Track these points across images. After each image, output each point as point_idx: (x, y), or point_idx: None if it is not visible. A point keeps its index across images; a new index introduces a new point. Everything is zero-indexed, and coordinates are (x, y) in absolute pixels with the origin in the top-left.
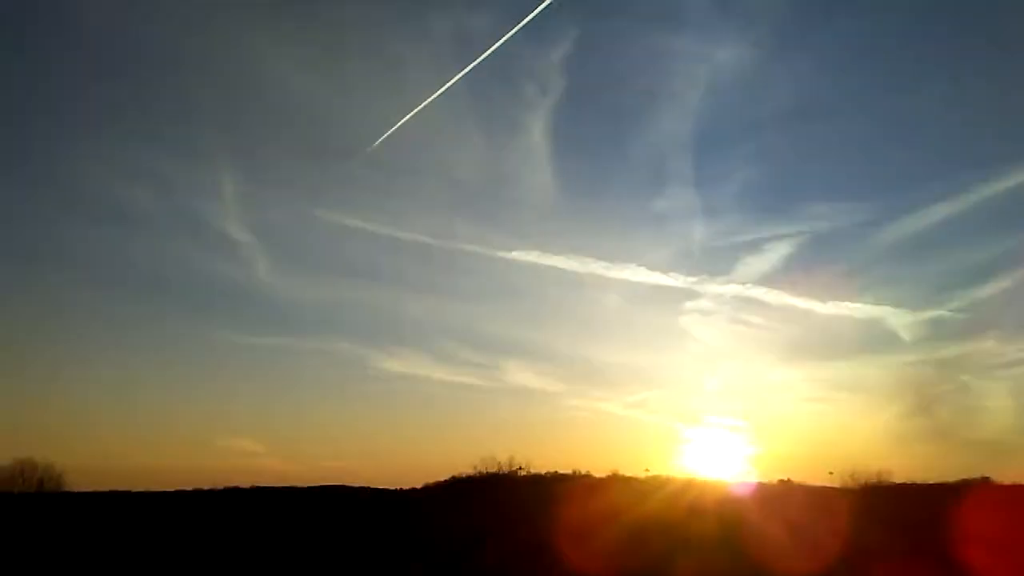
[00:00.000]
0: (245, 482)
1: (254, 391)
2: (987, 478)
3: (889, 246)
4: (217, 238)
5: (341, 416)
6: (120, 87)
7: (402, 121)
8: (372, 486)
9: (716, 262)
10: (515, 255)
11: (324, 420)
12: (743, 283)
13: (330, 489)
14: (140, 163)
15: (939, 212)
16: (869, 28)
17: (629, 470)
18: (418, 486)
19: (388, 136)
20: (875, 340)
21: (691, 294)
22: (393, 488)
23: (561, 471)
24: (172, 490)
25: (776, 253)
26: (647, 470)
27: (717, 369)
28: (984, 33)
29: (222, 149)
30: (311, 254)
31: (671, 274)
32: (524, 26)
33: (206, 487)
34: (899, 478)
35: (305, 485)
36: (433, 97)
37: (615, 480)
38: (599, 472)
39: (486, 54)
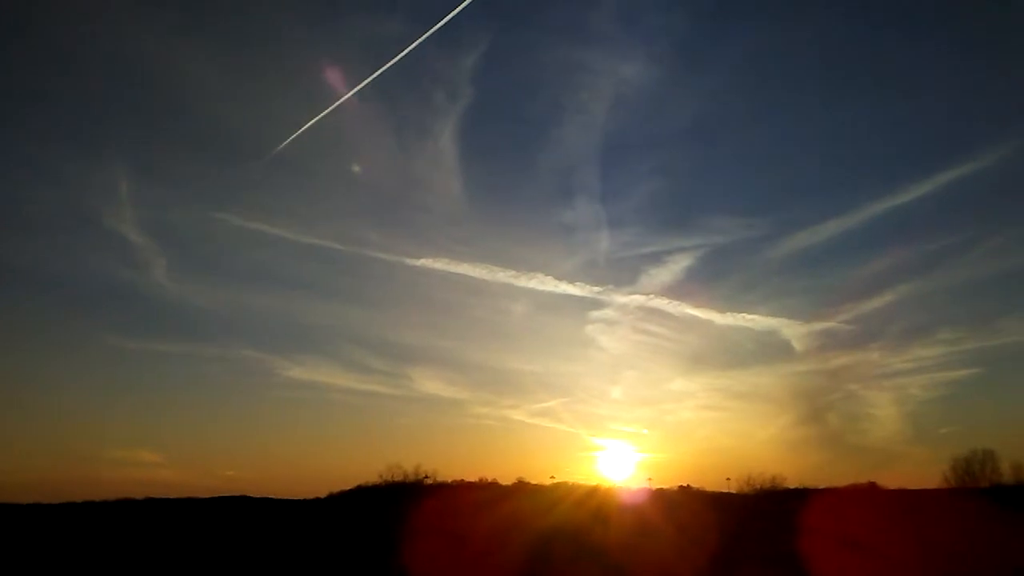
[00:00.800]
0: (139, 493)
1: (151, 400)
2: (873, 483)
3: (783, 260)
4: (111, 239)
5: (243, 425)
6: (11, 80)
7: (309, 124)
8: (275, 496)
9: (621, 273)
10: (423, 262)
11: (226, 429)
12: (646, 294)
13: (231, 500)
14: (31, 159)
15: (830, 228)
16: (768, 48)
17: (535, 478)
18: (323, 496)
19: (295, 139)
20: (770, 350)
21: (597, 304)
22: (297, 498)
23: (468, 479)
24: (59, 502)
25: (678, 265)
26: (553, 477)
27: (621, 378)
28: (874, 57)
29: (119, 148)
30: (213, 258)
31: (577, 284)
32: (435, 33)
33: (97, 499)
34: (792, 483)
35: (204, 496)
36: (341, 100)
37: (521, 488)
38: (506, 480)
39: (396, 59)
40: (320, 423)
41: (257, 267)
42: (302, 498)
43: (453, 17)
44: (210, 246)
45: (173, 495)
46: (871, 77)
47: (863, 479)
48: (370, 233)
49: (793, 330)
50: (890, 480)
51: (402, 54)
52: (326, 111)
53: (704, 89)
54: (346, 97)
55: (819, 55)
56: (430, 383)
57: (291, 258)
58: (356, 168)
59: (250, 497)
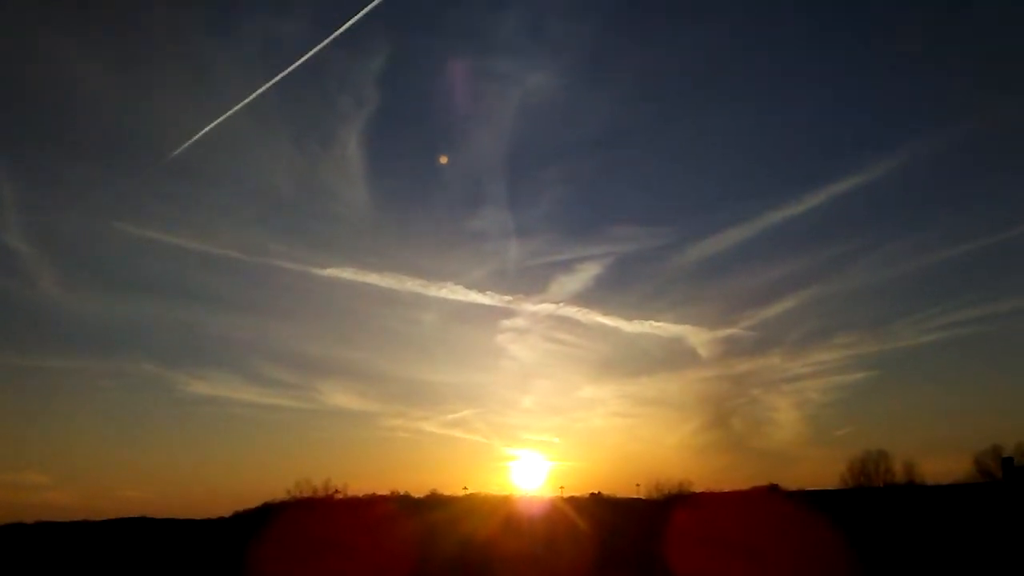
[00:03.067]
0: (30, 517)
1: (40, 418)
2: (775, 485)
3: (688, 268)
4: None
5: (142, 443)
6: None
7: (207, 129)
8: (177, 516)
9: (531, 281)
10: (330, 272)
11: (123, 448)
12: (556, 302)
13: (130, 521)
14: None
15: (731, 237)
16: (672, 59)
17: (448, 489)
18: (227, 514)
19: (195, 145)
20: (677, 357)
21: (507, 313)
22: (201, 518)
23: (379, 492)
24: None
25: (586, 273)
26: (466, 489)
27: (532, 386)
28: (774, 71)
29: (3, 152)
30: (107, 268)
31: (488, 293)
32: (338, 37)
33: None
34: (699, 487)
35: (100, 519)
36: (241, 105)
37: (434, 499)
38: (418, 492)
39: (297, 63)
40: (225, 439)
41: (156, 278)
42: (206, 518)
43: (357, 21)
44: (105, 256)
45: (67, 518)
46: (769, 89)
47: (765, 481)
48: (274, 242)
49: (698, 337)
50: (791, 481)
51: (304, 57)
52: (225, 115)
53: (610, 99)
54: (246, 102)
55: (720, 66)
56: (339, 396)
57: (191, 268)
58: (259, 175)
59: (151, 518)
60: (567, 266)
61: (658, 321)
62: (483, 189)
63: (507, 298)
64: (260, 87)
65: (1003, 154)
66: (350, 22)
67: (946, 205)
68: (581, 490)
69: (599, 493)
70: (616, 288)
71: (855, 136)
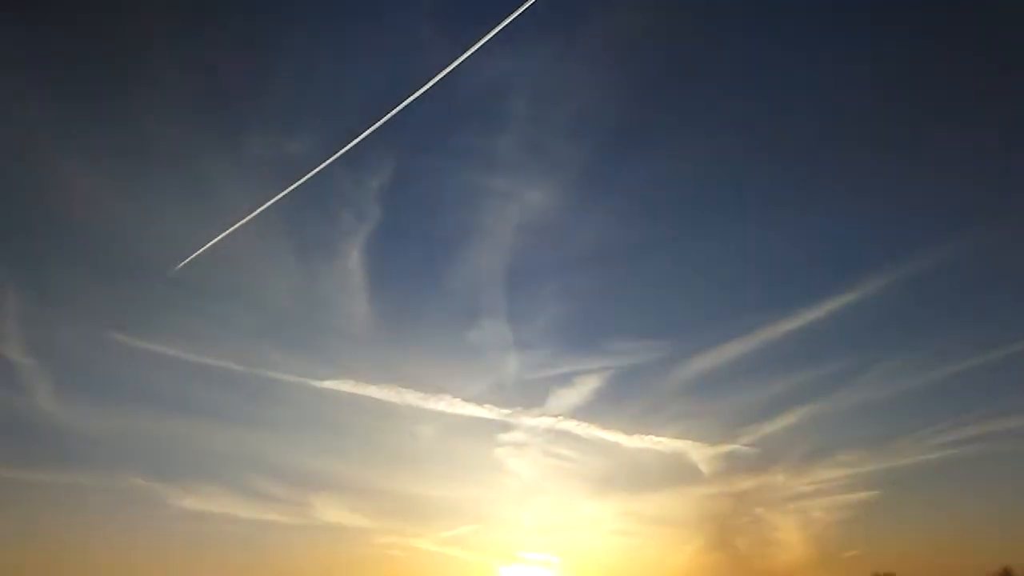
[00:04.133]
0: None
1: (25, 534)
2: None
3: (688, 382)
4: None
5: (131, 559)
6: None
7: (211, 243)
8: None
9: (529, 395)
10: (328, 384)
11: (110, 565)
12: (555, 416)
13: None
14: None
15: (729, 351)
16: (669, 178)
17: None
18: None
19: (196, 258)
20: (678, 473)
21: (505, 426)
22: None
23: None
24: None
25: (586, 387)
26: None
27: (531, 503)
28: (771, 188)
29: (3, 263)
30: (105, 380)
31: (486, 406)
32: (342, 155)
33: None
34: None
35: None
36: (246, 220)
37: None
38: None
39: (303, 179)
40: (215, 555)
41: (151, 389)
42: None
43: (361, 140)
44: (102, 367)
45: None
46: (767, 206)
47: None
48: (272, 354)
49: (699, 452)
50: None
51: (309, 174)
52: (229, 230)
53: (607, 216)
54: (250, 218)
55: (713, 184)
56: (333, 511)
57: (188, 380)
58: (260, 288)
59: None
60: (566, 380)
61: (658, 436)
62: (482, 303)
63: (505, 411)
64: (265, 203)
65: (1004, 270)
66: (354, 141)
67: (947, 321)
68: None
69: None
70: (616, 402)
71: (853, 252)
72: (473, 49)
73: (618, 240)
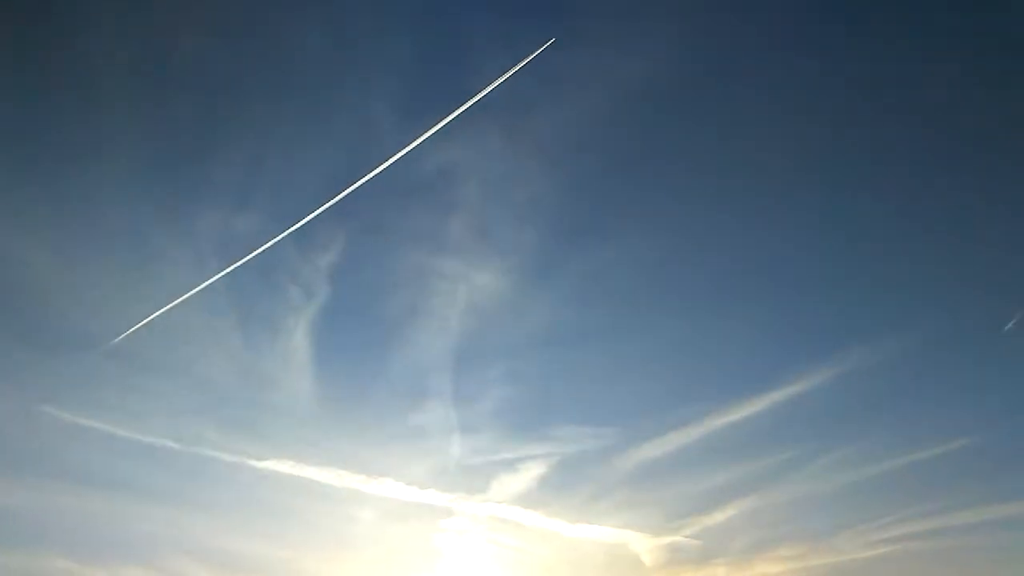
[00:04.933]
0: None
1: None
2: None
3: (632, 471)
4: None
5: None
6: None
7: (153, 316)
8: None
9: (473, 480)
10: (267, 464)
11: None
12: (499, 502)
13: None
14: None
15: (673, 441)
16: (616, 265)
17: None
18: None
19: (137, 331)
20: (620, 563)
21: (447, 512)
22: None
23: None
24: None
25: (529, 473)
26: None
27: None
28: (715, 281)
29: None
30: (33, 456)
31: (428, 490)
32: (292, 232)
33: None
34: None
35: None
36: (190, 294)
37: None
38: None
39: (251, 255)
40: None
41: (82, 466)
42: None
43: (311, 219)
44: (31, 442)
45: None
46: (711, 298)
47: None
48: (210, 432)
49: (642, 543)
50: None
51: (257, 251)
52: (172, 304)
53: (555, 301)
54: (193, 292)
55: (660, 273)
56: None
57: (121, 457)
58: (202, 363)
59: None
60: (510, 465)
61: (601, 525)
62: (428, 385)
63: (448, 496)
64: (211, 278)
65: (948, 364)
66: (305, 219)
67: (889, 415)
68: None
69: None
70: (559, 489)
71: (798, 344)
72: (428, 134)
73: (565, 326)
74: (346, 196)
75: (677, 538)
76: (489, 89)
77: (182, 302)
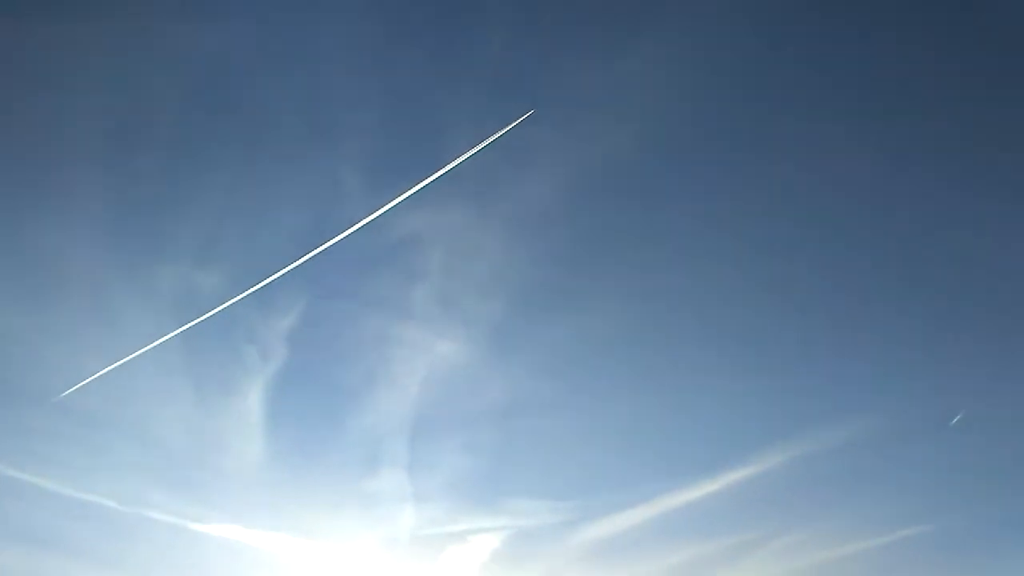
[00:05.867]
0: None
1: None
2: None
3: (586, 546)
4: None
5: None
6: None
7: (104, 371)
8: None
9: (423, 549)
10: (210, 528)
11: None
12: (449, 574)
13: None
14: None
15: (631, 518)
16: (575, 339)
17: None
18: None
19: (86, 386)
20: None
21: None
22: None
23: None
24: None
25: (482, 546)
26: None
27: None
28: (671, 362)
29: None
30: None
31: (378, 559)
32: (251, 292)
33: None
34: None
35: None
36: (144, 350)
37: None
38: None
39: (209, 314)
40: None
41: (20, 523)
42: None
43: (272, 280)
44: None
45: None
46: (671, 375)
47: None
48: (154, 493)
49: None
50: None
51: (215, 310)
52: (123, 359)
53: (514, 372)
54: (148, 348)
55: (621, 348)
56: None
57: (57, 515)
58: (151, 421)
59: None
60: (462, 537)
61: None
62: (383, 452)
63: (398, 566)
64: (166, 335)
65: (906, 450)
66: (266, 280)
67: (845, 499)
68: None
69: None
70: (512, 564)
71: (753, 425)
72: (395, 201)
73: (526, 398)
74: (309, 259)
75: None
76: (460, 160)
77: (135, 358)
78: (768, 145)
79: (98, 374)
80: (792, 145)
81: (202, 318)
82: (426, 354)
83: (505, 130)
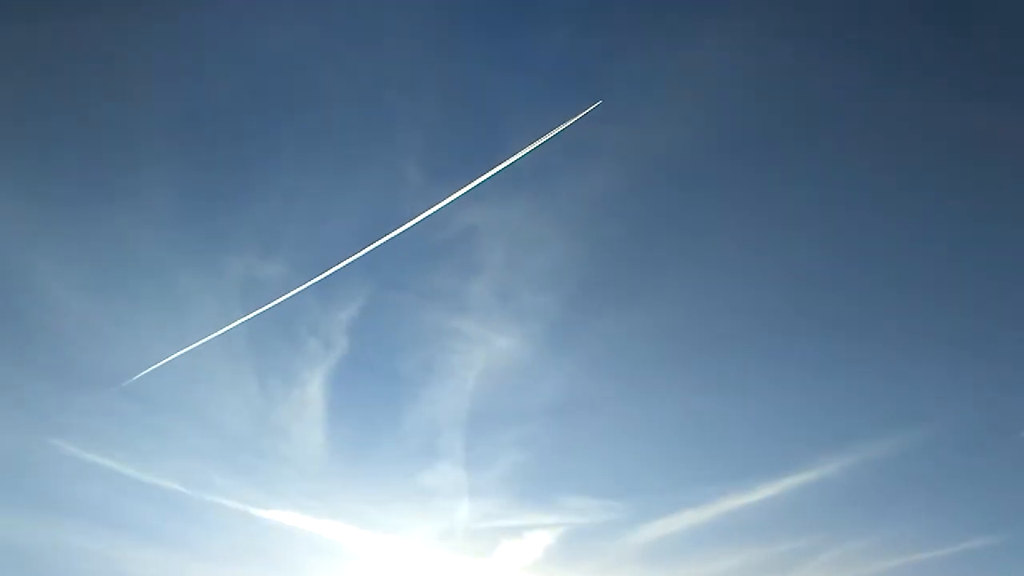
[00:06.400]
0: None
1: None
2: None
3: (640, 547)
4: None
5: None
6: None
7: (171, 357)
8: None
9: (477, 544)
10: (271, 514)
11: None
12: (503, 569)
13: None
14: None
15: (685, 519)
16: (636, 335)
17: None
18: None
19: (154, 371)
20: None
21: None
22: None
23: None
24: None
25: (536, 542)
26: None
27: None
28: (732, 356)
29: None
30: (39, 489)
31: (433, 551)
32: (314, 284)
33: None
34: None
35: None
36: (210, 338)
37: None
38: None
39: (272, 304)
40: None
41: (86, 502)
42: None
43: (334, 271)
44: (38, 475)
45: None
46: (729, 377)
47: None
48: (218, 477)
49: None
50: None
51: (279, 299)
52: (190, 347)
53: (572, 368)
54: (214, 336)
55: (682, 346)
56: None
57: (126, 496)
58: (215, 408)
59: None
60: (516, 532)
61: None
62: (440, 446)
63: (452, 559)
64: (232, 323)
65: (971, 458)
66: (328, 272)
67: (904, 509)
68: None
69: None
70: (566, 561)
71: (815, 430)
72: (454, 196)
73: (581, 394)
74: (370, 252)
75: None
76: (520, 154)
77: (202, 345)
78: (838, 139)
79: (166, 360)
80: (866, 138)
81: (266, 307)
82: (483, 347)
83: (565, 125)
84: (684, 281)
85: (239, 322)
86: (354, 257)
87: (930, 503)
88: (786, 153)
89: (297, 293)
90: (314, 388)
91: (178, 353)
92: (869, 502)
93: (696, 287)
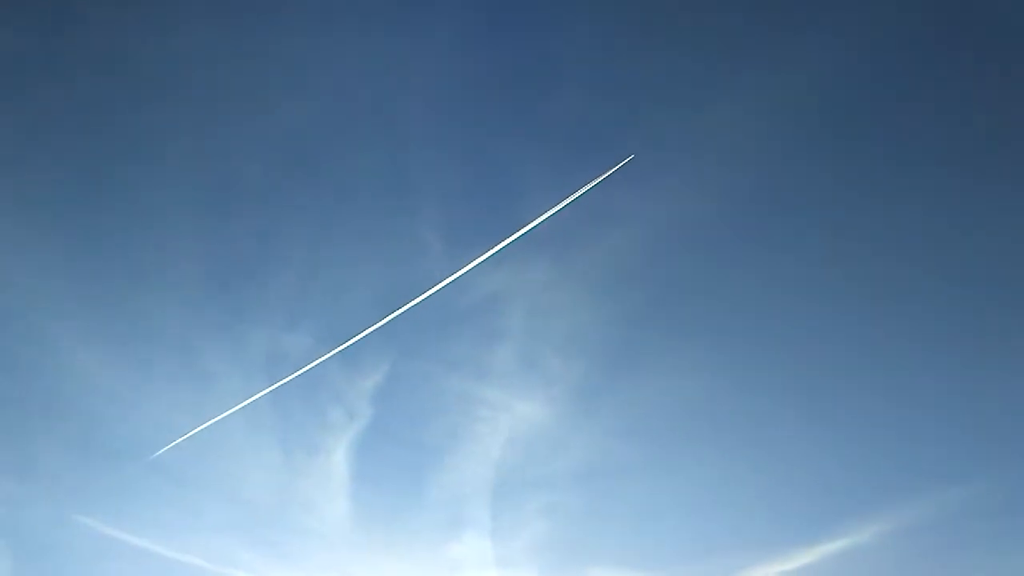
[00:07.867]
0: None
1: None
2: None
3: None
4: None
5: None
6: None
7: (197, 429)
8: None
9: None
10: None
11: None
12: None
13: None
14: None
15: None
16: (659, 401)
17: None
18: None
19: (180, 444)
20: None
21: None
22: None
23: None
24: None
25: None
26: None
27: None
28: (759, 420)
29: None
30: (63, 566)
31: None
32: (337, 353)
33: None
34: None
35: None
36: (234, 409)
37: None
38: None
39: (296, 374)
40: None
41: None
42: None
43: (357, 340)
44: (63, 552)
45: None
46: (758, 441)
47: None
48: (242, 551)
49: None
50: None
51: (303, 369)
52: (214, 419)
53: (598, 433)
54: (238, 407)
55: (707, 412)
56: None
57: (151, 573)
58: (240, 480)
59: None
60: None
61: None
62: (465, 515)
63: None
64: (256, 394)
65: (1010, 523)
66: (351, 341)
67: (956, 574)
68: None
69: None
70: None
71: (848, 496)
72: (474, 263)
73: (608, 461)
74: (392, 320)
75: None
76: (540, 219)
77: (226, 417)
78: (873, 207)
79: (190, 433)
80: (902, 206)
81: (290, 378)
82: (507, 414)
83: (586, 188)
84: (710, 346)
85: (263, 393)
86: (376, 326)
87: (969, 571)
88: (815, 219)
89: (320, 363)
90: (338, 458)
91: (202, 426)
92: (906, 569)
93: (723, 352)
